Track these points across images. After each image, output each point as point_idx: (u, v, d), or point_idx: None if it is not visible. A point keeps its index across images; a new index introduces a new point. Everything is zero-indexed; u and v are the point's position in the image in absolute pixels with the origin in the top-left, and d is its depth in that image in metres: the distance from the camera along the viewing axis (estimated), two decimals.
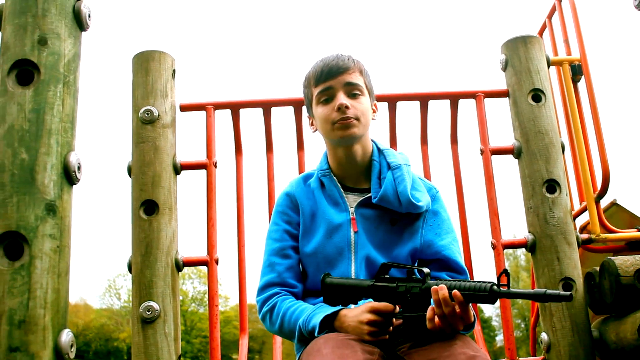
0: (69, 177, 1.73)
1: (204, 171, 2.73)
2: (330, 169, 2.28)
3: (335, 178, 2.26)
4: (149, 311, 2.38)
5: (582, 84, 3.23)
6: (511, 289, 1.73)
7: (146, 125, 2.60)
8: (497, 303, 1.86)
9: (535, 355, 2.69)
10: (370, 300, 1.99)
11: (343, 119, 2.16)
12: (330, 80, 2.19)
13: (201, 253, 2.63)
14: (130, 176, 2.59)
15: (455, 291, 1.77)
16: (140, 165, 2.56)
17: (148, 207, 2.51)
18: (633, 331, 2.26)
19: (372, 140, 2.32)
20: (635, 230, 2.98)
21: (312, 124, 2.34)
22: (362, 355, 1.75)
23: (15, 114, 1.69)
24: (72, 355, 1.64)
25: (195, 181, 2.83)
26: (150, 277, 2.43)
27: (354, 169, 2.27)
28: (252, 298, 2.78)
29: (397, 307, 1.91)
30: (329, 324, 2.00)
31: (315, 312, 2.03)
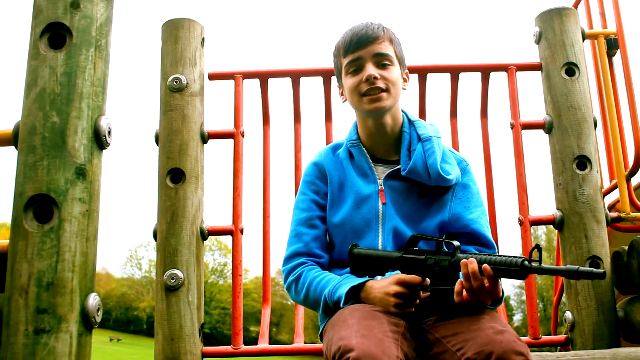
0: (99, 141, 1.73)
1: (231, 141, 2.72)
2: (359, 139, 2.26)
3: (364, 149, 2.24)
4: (173, 279, 2.39)
5: (617, 59, 3.16)
6: (543, 265, 1.71)
7: (174, 93, 2.59)
8: (517, 281, 1.83)
9: (557, 334, 2.67)
10: (398, 272, 1.98)
11: (372, 91, 2.13)
12: (359, 50, 2.16)
13: (226, 222, 2.63)
14: (157, 144, 2.59)
15: (485, 265, 1.75)
16: (168, 133, 2.56)
17: (175, 175, 2.51)
18: None
19: (402, 111, 2.29)
20: None
21: (342, 94, 2.32)
22: (388, 327, 1.74)
23: (47, 77, 1.68)
24: (98, 319, 1.65)
25: (223, 150, 2.83)
26: (175, 245, 2.44)
27: (383, 140, 2.24)
28: (272, 271, 2.80)
29: (425, 280, 1.89)
30: (355, 295, 1.99)
31: (341, 282, 2.02)
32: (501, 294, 1.85)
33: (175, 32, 2.68)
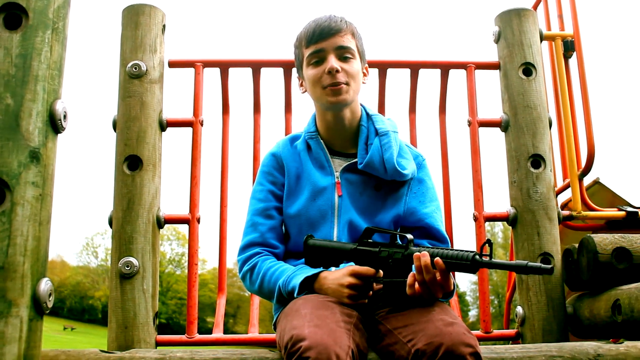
0: (54, 125, 1.70)
1: (189, 129, 2.70)
2: (317, 131, 2.27)
3: (322, 141, 2.26)
4: (127, 267, 2.37)
5: (573, 61, 3.22)
6: (493, 260, 1.74)
7: (133, 80, 2.57)
8: (473, 277, 1.86)
9: (509, 329, 2.72)
10: (352, 263, 2.00)
11: (333, 84, 2.14)
12: (321, 41, 2.17)
13: (183, 211, 2.62)
14: (115, 130, 2.57)
15: (437, 259, 1.78)
16: (126, 119, 2.54)
17: (132, 162, 2.49)
18: (607, 309, 2.29)
19: (361, 105, 2.31)
20: (616, 209, 3.00)
21: (301, 85, 2.33)
22: (341, 317, 1.76)
23: (1, 58, 1.65)
24: (50, 305, 1.63)
25: (181, 139, 2.81)
26: (131, 233, 2.41)
27: (341, 133, 2.26)
28: (229, 261, 2.80)
29: (379, 272, 1.92)
30: (309, 286, 2.01)
31: (295, 273, 2.03)
32: (452, 287, 1.88)
33: (135, 18, 2.65)
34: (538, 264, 1.65)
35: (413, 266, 1.83)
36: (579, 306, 2.53)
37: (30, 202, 1.60)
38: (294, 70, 2.37)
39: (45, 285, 1.61)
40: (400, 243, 1.97)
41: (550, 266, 1.62)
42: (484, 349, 1.82)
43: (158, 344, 2.43)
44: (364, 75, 2.31)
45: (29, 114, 1.64)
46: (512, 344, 2.48)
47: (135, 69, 2.56)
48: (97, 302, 58.75)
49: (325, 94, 2.17)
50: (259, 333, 2.63)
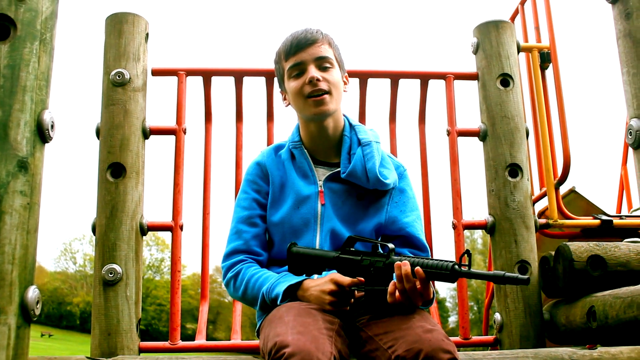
0: (42, 135, 1.72)
1: (172, 137, 2.72)
2: (301, 141, 2.31)
3: (306, 151, 2.29)
4: (111, 274, 2.39)
5: (549, 72, 3.28)
6: (471, 270, 1.78)
7: (117, 88, 2.58)
8: (453, 284, 1.91)
9: (487, 335, 2.76)
10: (334, 271, 2.03)
11: (316, 94, 2.18)
12: (300, 53, 2.21)
13: (166, 219, 2.64)
14: (98, 138, 2.58)
15: (417, 268, 1.82)
16: (109, 127, 2.55)
17: (115, 169, 2.50)
18: (582, 315, 2.34)
19: (344, 115, 2.35)
20: (591, 217, 3.06)
21: (284, 99, 2.36)
22: (323, 324, 1.78)
23: None
24: (37, 312, 1.65)
25: (164, 147, 2.83)
26: (114, 240, 2.43)
27: (325, 143, 2.30)
28: (210, 268, 2.82)
29: (360, 280, 1.95)
30: (292, 293, 2.03)
31: (279, 280, 2.06)
32: (432, 296, 1.92)
33: (119, 26, 2.66)
34: (515, 274, 1.70)
35: (394, 275, 1.87)
36: (555, 313, 2.58)
37: (18, 211, 1.62)
38: (276, 79, 2.41)
39: (32, 292, 1.63)
40: (382, 252, 2.00)
41: (526, 277, 1.67)
42: (462, 355, 1.86)
43: (141, 350, 2.44)
44: (345, 83, 2.35)
45: (17, 124, 1.66)
46: (490, 349, 2.52)
47: (119, 77, 2.58)
48: (75, 308, 58.08)
49: (308, 105, 2.21)
50: (241, 340, 2.65)
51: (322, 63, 2.22)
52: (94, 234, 2.48)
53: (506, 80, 2.81)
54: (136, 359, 1.90)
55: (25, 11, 1.74)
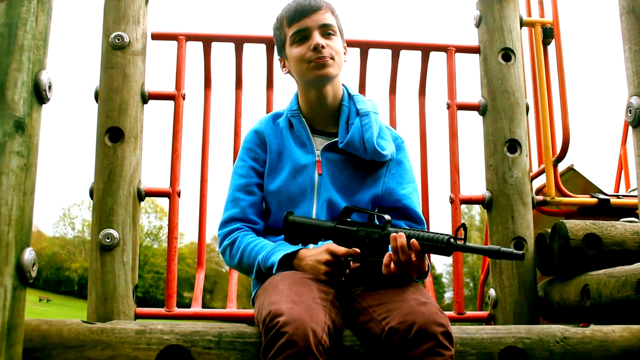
0: (39, 95, 1.70)
1: (171, 103, 2.71)
2: (300, 110, 2.30)
3: (304, 119, 2.29)
4: (108, 239, 2.39)
5: (552, 48, 3.26)
6: (467, 243, 1.79)
7: (116, 51, 2.56)
8: (449, 259, 1.92)
9: (482, 311, 2.78)
10: (330, 241, 2.04)
11: (319, 58, 2.17)
12: (304, 19, 2.21)
13: (164, 185, 2.64)
14: (97, 101, 2.56)
15: (413, 240, 1.83)
16: (108, 91, 2.53)
17: (113, 134, 2.49)
18: (576, 293, 2.35)
19: (343, 85, 2.34)
20: (589, 196, 3.06)
21: (284, 66, 2.35)
22: (318, 294, 1.80)
23: None
24: (33, 274, 1.64)
25: (163, 112, 2.82)
26: (112, 205, 2.42)
27: (323, 112, 2.29)
28: (208, 236, 2.82)
29: (356, 251, 1.96)
30: (288, 263, 2.04)
31: (275, 249, 2.07)
32: (427, 269, 1.93)
33: None
34: (510, 249, 1.71)
35: (389, 246, 1.88)
36: (549, 290, 2.59)
37: (15, 172, 1.61)
38: (276, 46, 2.39)
39: (29, 254, 1.62)
40: (378, 223, 2.01)
41: (521, 252, 1.68)
42: (455, 329, 1.87)
43: (137, 316, 2.45)
44: (344, 53, 2.34)
45: (14, 84, 1.64)
46: (484, 325, 2.54)
47: (118, 40, 2.55)
48: (73, 274, 58.31)
49: (310, 69, 2.20)
50: (237, 309, 2.67)
51: (325, 30, 2.22)
52: (92, 198, 2.48)
53: (508, 54, 2.79)
54: (131, 324, 1.91)
55: None
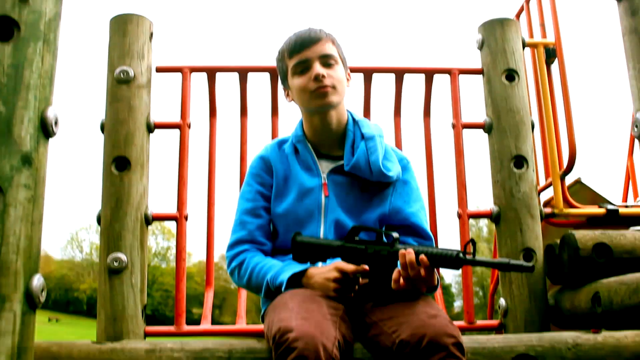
0: (45, 130, 1.74)
1: (178, 132, 2.74)
2: (305, 135, 2.32)
3: (309, 144, 2.30)
4: (116, 262, 2.40)
5: (555, 67, 3.29)
6: (476, 257, 1.80)
7: (121, 85, 2.60)
8: (458, 270, 1.92)
9: (492, 320, 2.77)
10: (339, 259, 2.04)
11: (320, 88, 2.20)
12: (304, 50, 2.23)
13: (171, 210, 2.66)
14: (103, 133, 2.60)
15: (422, 256, 1.83)
16: (114, 123, 2.57)
17: (119, 163, 2.51)
18: (587, 300, 2.34)
19: (347, 111, 2.36)
20: (597, 206, 3.05)
21: (287, 95, 2.38)
22: (327, 309, 1.80)
23: None
24: (42, 299, 1.67)
25: (170, 140, 2.85)
26: (119, 230, 2.44)
27: (328, 137, 2.31)
28: (216, 255, 2.84)
29: (364, 267, 1.96)
30: (297, 281, 2.05)
31: (283, 268, 2.08)
32: (436, 283, 1.93)
33: (123, 27, 2.67)
34: (520, 261, 1.71)
35: (398, 263, 1.88)
36: (560, 298, 2.58)
37: (22, 204, 1.64)
38: (279, 77, 2.42)
39: (37, 281, 1.65)
40: (386, 241, 2.01)
41: (531, 264, 1.69)
42: (466, 339, 1.86)
43: (147, 335, 2.46)
44: (347, 80, 2.36)
45: (21, 121, 1.68)
46: (495, 334, 2.53)
47: (123, 74, 2.59)
48: (82, 294, 58.74)
49: (312, 98, 2.22)
50: (247, 324, 2.67)
51: (326, 60, 2.24)
52: (99, 225, 2.50)
53: (511, 75, 2.81)
54: (141, 343, 1.91)
55: (29, 13, 1.75)
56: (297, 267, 2.07)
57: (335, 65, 2.26)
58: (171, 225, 2.66)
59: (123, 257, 2.41)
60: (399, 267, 1.89)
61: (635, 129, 1.92)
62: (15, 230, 1.62)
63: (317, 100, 2.22)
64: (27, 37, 1.73)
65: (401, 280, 1.87)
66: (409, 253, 1.85)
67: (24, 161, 1.66)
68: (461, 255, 1.81)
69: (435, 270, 1.93)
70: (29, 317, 1.63)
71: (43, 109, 1.74)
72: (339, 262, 2.00)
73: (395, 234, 1.96)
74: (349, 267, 1.96)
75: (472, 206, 2.76)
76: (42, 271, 1.70)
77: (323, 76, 2.20)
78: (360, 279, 2.00)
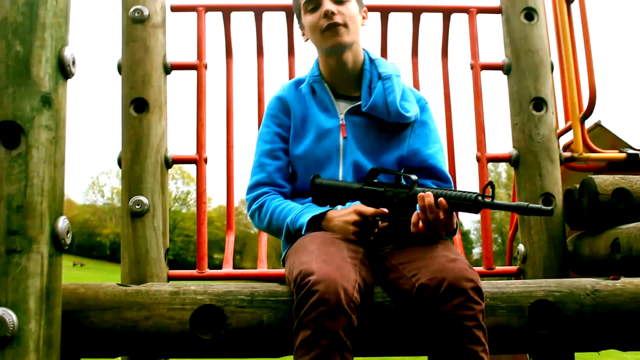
0: (63, 70, 1.73)
1: (194, 73, 2.72)
2: (321, 75, 2.30)
3: (326, 85, 2.28)
4: (138, 205, 2.42)
5: (575, 6, 3.21)
6: (495, 201, 1.78)
7: (136, 25, 2.57)
8: (477, 216, 1.92)
9: (511, 266, 2.78)
10: (358, 202, 2.04)
11: (330, 25, 2.16)
12: None
13: (191, 152, 2.66)
14: (120, 74, 2.58)
15: (441, 199, 1.82)
16: (131, 64, 2.55)
17: (138, 104, 2.51)
18: (606, 247, 2.34)
19: (364, 50, 2.33)
20: (617, 151, 3.02)
21: (303, 34, 2.35)
22: (347, 253, 1.81)
23: (8, 6, 1.66)
24: (68, 241, 1.69)
25: (186, 82, 2.83)
26: (140, 173, 2.46)
27: (345, 77, 2.28)
28: (236, 200, 2.85)
29: (384, 210, 1.96)
30: (317, 224, 2.06)
31: (303, 211, 2.08)
32: (455, 226, 1.93)
33: None
34: (538, 205, 1.70)
35: (417, 205, 1.88)
36: (579, 244, 2.59)
37: (44, 145, 1.65)
38: (295, 15, 2.39)
39: (62, 222, 1.67)
40: (405, 183, 2.01)
41: (550, 207, 1.67)
42: (485, 284, 1.87)
43: (170, 278, 2.51)
44: (363, 18, 2.32)
45: (39, 61, 1.67)
46: (514, 279, 2.54)
47: (138, 13, 2.56)
48: (105, 239, 59.35)
49: (324, 38, 2.19)
50: (267, 269, 2.70)
51: None
52: (120, 167, 2.51)
53: (530, 14, 2.76)
54: (165, 286, 1.94)
55: None
56: (317, 210, 2.08)
57: (347, 2, 2.21)
58: (191, 170, 2.66)
59: (145, 200, 2.43)
60: (417, 210, 1.89)
61: None
62: (39, 172, 1.63)
63: (329, 39, 2.19)
64: None
65: (420, 223, 1.88)
66: (427, 196, 1.84)
67: (44, 102, 1.67)
68: (480, 198, 1.80)
69: (454, 214, 1.93)
70: (56, 259, 1.66)
71: (60, 49, 1.73)
72: (358, 205, 2.00)
73: (413, 177, 1.95)
74: (368, 210, 1.97)
75: (491, 149, 2.75)
76: (66, 215, 1.72)
77: (333, 13, 2.16)
78: (380, 222, 2.01)
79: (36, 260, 1.59)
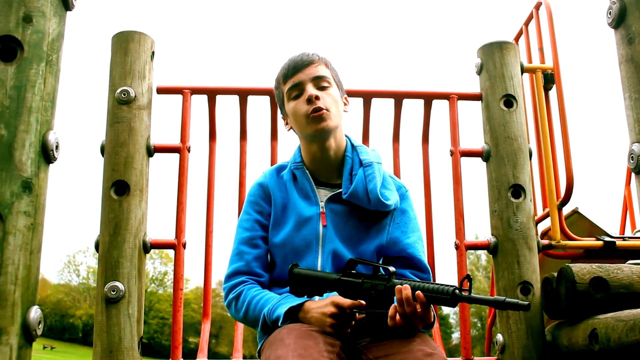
0: (46, 155, 1.73)
1: (177, 155, 2.74)
2: (303, 162, 2.32)
3: (307, 172, 2.30)
4: (113, 291, 2.40)
5: (553, 93, 3.29)
6: (472, 295, 1.78)
7: (122, 106, 2.60)
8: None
9: (490, 355, 2.76)
10: (335, 293, 2.04)
11: (314, 110, 2.19)
12: (297, 74, 2.24)
13: (169, 236, 2.65)
14: (103, 155, 2.60)
15: (418, 292, 1.82)
16: (114, 145, 2.57)
17: (119, 187, 2.52)
18: (584, 337, 2.33)
19: (346, 136, 2.36)
20: (594, 239, 3.05)
21: (286, 124, 2.38)
22: (324, 346, 1.79)
23: None
24: (39, 332, 1.66)
25: (168, 164, 2.85)
26: (117, 258, 2.44)
27: (326, 164, 2.30)
28: (213, 282, 2.82)
29: (361, 303, 1.95)
30: (294, 315, 2.04)
31: (280, 302, 2.07)
32: (433, 319, 1.92)
33: (125, 45, 2.68)
34: (515, 300, 1.70)
35: (395, 298, 1.88)
36: (557, 334, 2.58)
37: (22, 232, 1.63)
38: (278, 105, 2.43)
39: (35, 313, 1.64)
40: (383, 274, 2.01)
41: (527, 303, 1.67)
42: None
43: None
44: (345, 104, 2.36)
45: (22, 145, 1.67)
46: None
47: (124, 95, 2.59)
48: (77, 321, 57.97)
49: (308, 123, 2.22)
50: (243, 357, 2.66)
51: (319, 82, 2.24)
52: (97, 251, 2.49)
53: (510, 101, 2.82)
54: None
55: (32, 33, 1.75)
56: (294, 301, 2.06)
57: (329, 87, 2.26)
58: (169, 250, 2.64)
59: (120, 286, 2.41)
60: (395, 303, 1.88)
61: (631, 161, 1.90)
62: (14, 260, 1.61)
63: (313, 125, 2.21)
64: (30, 58, 1.73)
65: (397, 316, 1.87)
66: (405, 289, 1.84)
67: (24, 187, 1.66)
68: (457, 292, 1.80)
69: (432, 306, 1.93)
70: (25, 351, 1.62)
71: (44, 133, 1.74)
72: (335, 297, 1.99)
73: (391, 268, 1.95)
74: (346, 302, 1.96)
75: (471, 233, 2.77)
76: (38, 296, 1.69)
77: (316, 97, 2.19)
78: (357, 314, 2.00)
79: (4, 352, 1.55)
